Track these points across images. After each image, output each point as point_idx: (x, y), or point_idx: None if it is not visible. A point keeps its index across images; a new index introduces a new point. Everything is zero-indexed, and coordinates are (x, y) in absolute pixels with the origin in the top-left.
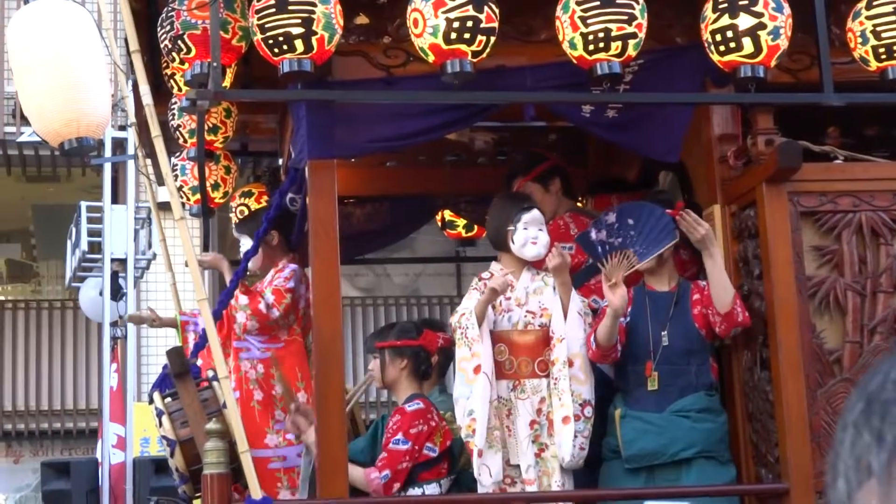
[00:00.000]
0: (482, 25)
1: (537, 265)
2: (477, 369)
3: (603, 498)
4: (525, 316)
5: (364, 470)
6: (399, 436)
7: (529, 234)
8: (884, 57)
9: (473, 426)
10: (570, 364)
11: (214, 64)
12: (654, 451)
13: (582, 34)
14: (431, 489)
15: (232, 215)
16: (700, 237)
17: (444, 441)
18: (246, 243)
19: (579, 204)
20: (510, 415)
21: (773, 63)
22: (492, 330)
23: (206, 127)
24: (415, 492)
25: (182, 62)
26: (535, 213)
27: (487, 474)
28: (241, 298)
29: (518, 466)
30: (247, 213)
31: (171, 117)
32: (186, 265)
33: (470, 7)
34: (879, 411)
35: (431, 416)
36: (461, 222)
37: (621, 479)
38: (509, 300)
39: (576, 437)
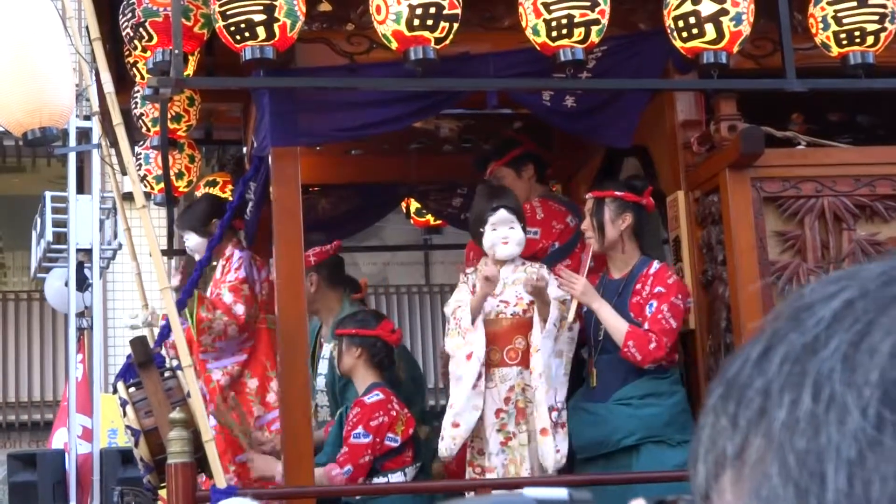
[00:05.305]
0: (445, 12)
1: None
2: (469, 356)
3: (559, 484)
4: (497, 305)
5: (324, 468)
6: (359, 429)
7: (498, 235)
8: (845, 43)
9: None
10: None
11: (176, 52)
12: (599, 441)
13: (545, 20)
14: (396, 478)
15: None
16: (577, 294)
17: (406, 430)
18: (189, 237)
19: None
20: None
21: (735, 49)
22: None
23: (168, 115)
24: (380, 481)
25: (144, 50)
26: (503, 213)
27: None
28: (206, 313)
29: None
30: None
31: (133, 106)
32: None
33: None
34: (735, 396)
35: (392, 406)
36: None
37: (580, 467)
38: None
39: (557, 449)
